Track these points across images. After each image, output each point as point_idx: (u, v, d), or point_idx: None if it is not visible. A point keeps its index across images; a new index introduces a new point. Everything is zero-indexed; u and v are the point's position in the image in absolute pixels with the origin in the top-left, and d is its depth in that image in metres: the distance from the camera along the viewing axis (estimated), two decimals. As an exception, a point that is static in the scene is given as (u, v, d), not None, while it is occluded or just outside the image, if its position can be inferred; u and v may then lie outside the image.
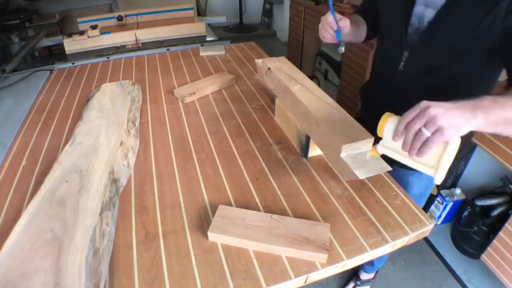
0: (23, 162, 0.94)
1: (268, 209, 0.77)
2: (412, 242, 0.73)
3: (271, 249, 0.66)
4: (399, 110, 0.63)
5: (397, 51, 0.89)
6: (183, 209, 0.77)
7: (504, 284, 1.44)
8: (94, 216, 0.68)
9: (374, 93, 1.06)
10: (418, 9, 0.82)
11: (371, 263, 1.44)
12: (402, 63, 0.89)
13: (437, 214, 1.80)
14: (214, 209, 0.76)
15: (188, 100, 1.21)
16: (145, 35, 1.89)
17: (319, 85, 0.96)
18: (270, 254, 0.66)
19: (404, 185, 0.97)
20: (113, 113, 1.06)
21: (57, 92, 1.34)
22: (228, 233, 0.67)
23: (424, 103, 0.55)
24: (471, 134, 0.95)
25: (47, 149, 1.00)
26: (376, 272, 1.58)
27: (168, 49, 1.75)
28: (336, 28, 0.87)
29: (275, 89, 1.04)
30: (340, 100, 2.63)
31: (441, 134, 0.52)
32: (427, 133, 0.53)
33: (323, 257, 0.64)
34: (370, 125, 0.71)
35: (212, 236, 0.68)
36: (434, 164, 0.58)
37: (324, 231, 0.68)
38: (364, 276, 1.54)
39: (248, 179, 0.86)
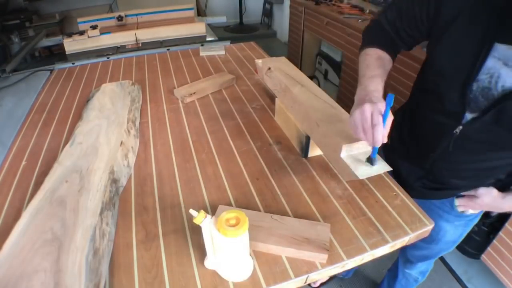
0: (23, 162, 0.94)
1: (268, 209, 0.77)
2: (412, 242, 0.73)
3: (271, 249, 0.66)
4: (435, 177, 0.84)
5: (455, 110, 0.70)
6: (183, 209, 0.77)
7: (504, 284, 1.44)
8: (94, 216, 0.68)
9: (408, 134, 0.88)
10: (490, 63, 0.62)
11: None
12: (460, 127, 0.71)
13: (437, 214, 1.80)
14: (214, 209, 0.76)
15: (188, 100, 1.21)
16: (145, 35, 1.89)
17: (319, 85, 0.96)
18: (270, 254, 0.66)
19: (436, 231, 0.96)
20: (113, 113, 1.06)
21: (57, 92, 1.34)
22: None
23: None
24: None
25: (47, 149, 1.00)
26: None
27: (168, 49, 1.75)
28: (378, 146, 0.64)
29: (275, 89, 1.04)
30: (340, 100, 2.63)
31: None
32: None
33: (323, 257, 0.64)
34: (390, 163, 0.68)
35: None
36: None
37: (324, 231, 0.68)
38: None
39: (248, 179, 0.86)
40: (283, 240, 0.66)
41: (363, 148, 0.72)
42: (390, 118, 0.62)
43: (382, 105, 0.61)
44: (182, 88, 1.26)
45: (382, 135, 0.60)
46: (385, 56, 0.80)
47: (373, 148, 0.66)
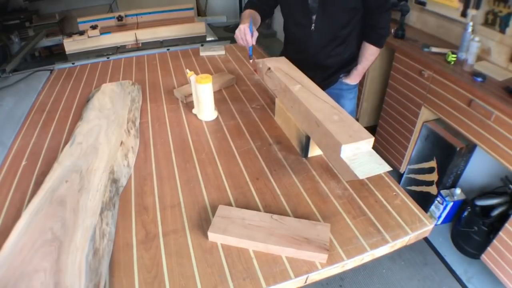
0: (23, 162, 0.94)
1: (268, 209, 0.77)
2: (412, 242, 0.73)
3: (271, 249, 0.66)
4: (317, 61, 1.32)
5: (307, 18, 1.22)
6: (183, 209, 0.77)
7: (504, 284, 1.44)
8: (94, 216, 0.68)
9: (294, 54, 1.30)
10: None
11: None
12: (313, 25, 1.22)
13: (437, 214, 1.80)
14: (214, 209, 0.76)
15: (188, 100, 1.21)
16: (145, 35, 1.89)
17: (319, 85, 0.96)
18: (270, 254, 0.66)
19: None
20: (113, 113, 1.06)
21: (57, 92, 1.34)
22: (228, 233, 0.68)
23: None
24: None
25: (47, 149, 1.00)
26: None
27: (168, 49, 1.75)
28: (251, 45, 1.19)
29: (275, 89, 1.04)
30: (340, 100, 2.62)
31: None
32: None
33: (323, 257, 0.64)
34: None
35: (212, 236, 0.68)
36: None
37: (324, 231, 0.68)
38: None
39: (248, 179, 0.86)
40: (283, 240, 0.66)
41: (363, 148, 0.72)
42: (255, 32, 1.19)
43: (247, 25, 1.16)
44: (182, 88, 1.26)
45: (250, 38, 1.16)
46: (251, 10, 1.34)
47: (249, 48, 1.20)
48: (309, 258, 0.65)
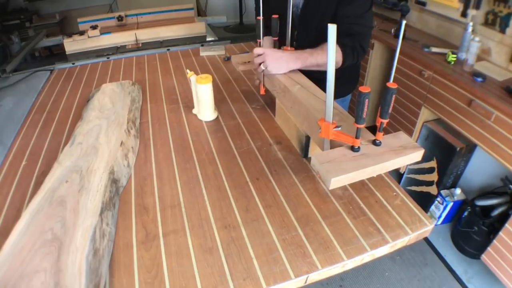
0: (23, 162, 0.94)
1: (268, 209, 0.77)
2: (412, 242, 0.73)
3: (385, 167, 0.66)
4: None
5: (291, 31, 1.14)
6: (183, 209, 0.77)
7: (504, 284, 1.44)
8: (94, 216, 0.68)
9: None
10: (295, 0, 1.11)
11: None
12: (295, 37, 1.19)
13: (437, 214, 1.80)
14: (214, 209, 0.76)
15: (241, 68, 1.15)
16: (145, 35, 1.90)
17: (319, 85, 0.96)
18: (270, 255, 0.66)
19: None
20: (113, 113, 1.06)
21: (57, 92, 1.34)
22: (347, 171, 0.64)
23: (262, 51, 0.97)
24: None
25: (47, 149, 1.00)
26: None
27: (168, 49, 1.75)
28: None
29: (274, 90, 1.04)
30: (340, 100, 2.62)
31: (268, 70, 0.98)
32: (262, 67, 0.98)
33: (420, 153, 0.68)
34: None
35: (335, 181, 0.63)
36: None
37: (405, 137, 0.71)
38: None
39: (248, 179, 0.86)
40: (389, 154, 0.67)
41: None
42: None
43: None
44: (238, 57, 1.19)
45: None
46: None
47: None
48: (410, 161, 0.68)
